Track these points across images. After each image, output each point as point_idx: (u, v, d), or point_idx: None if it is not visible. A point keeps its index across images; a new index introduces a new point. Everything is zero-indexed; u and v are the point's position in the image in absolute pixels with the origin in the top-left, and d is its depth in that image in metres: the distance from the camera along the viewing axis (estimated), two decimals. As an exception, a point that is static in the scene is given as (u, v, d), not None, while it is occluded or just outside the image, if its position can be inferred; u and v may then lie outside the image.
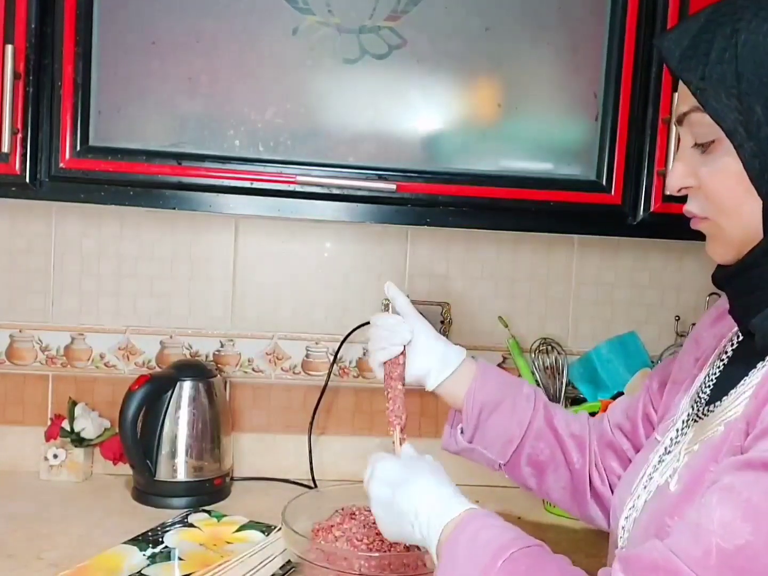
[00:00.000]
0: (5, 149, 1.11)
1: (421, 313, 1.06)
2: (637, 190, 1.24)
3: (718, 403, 0.76)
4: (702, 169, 0.73)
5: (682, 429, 0.81)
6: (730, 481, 0.63)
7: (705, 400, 0.80)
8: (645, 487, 0.81)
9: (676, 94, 1.18)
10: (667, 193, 0.78)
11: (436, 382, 1.03)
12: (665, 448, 0.82)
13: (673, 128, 1.18)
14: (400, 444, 0.97)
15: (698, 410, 0.80)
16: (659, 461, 0.82)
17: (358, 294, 1.58)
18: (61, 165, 1.17)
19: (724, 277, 0.78)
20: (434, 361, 1.03)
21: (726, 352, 0.82)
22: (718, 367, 0.82)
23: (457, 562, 0.75)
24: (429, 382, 1.03)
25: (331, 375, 1.55)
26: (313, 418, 1.55)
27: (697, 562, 0.60)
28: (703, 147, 0.72)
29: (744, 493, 0.61)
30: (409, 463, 0.89)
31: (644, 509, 0.79)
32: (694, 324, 1.58)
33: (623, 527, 0.83)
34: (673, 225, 1.27)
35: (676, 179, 0.76)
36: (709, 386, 0.81)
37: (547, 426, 1.02)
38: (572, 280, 1.62)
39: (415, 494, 0.84)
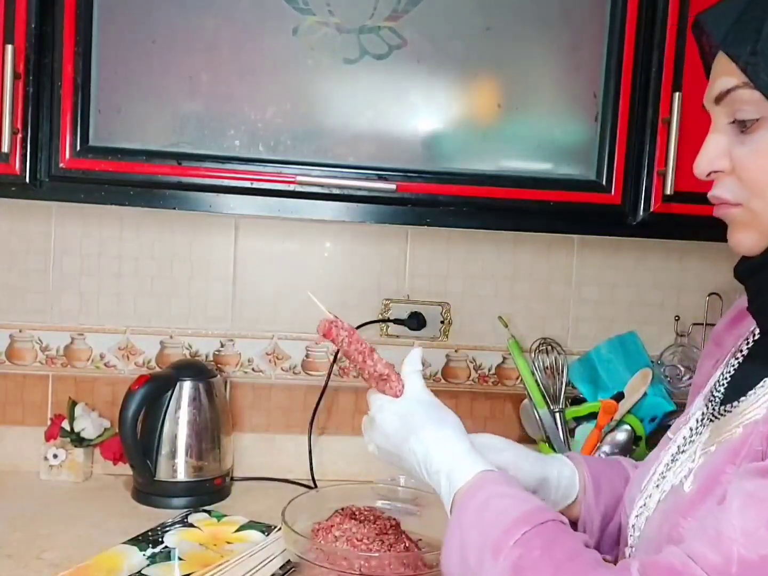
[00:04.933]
0: (5, 149, 1.11)
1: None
2: (637, 190, 1.24)
3: (735, 403, 0.73)
4: (739, 149, 0.70)
5: (697, 428, 0.79)
6: (753, 488, 0.61)
7: (719, 398, 0.78)
8: (657, 486, 0.79)
9: (676, 94, 1.19)
10: (697, 175, 0.74)
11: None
12: (678, 447, 0.80)
13: (674, 128, 1.18)
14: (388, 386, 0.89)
15: (714, 409, 0.77)
16: (672, 460, 0.80)
17: (358, 294, 1.58)
18: (61, 165, 1.17)
19: (748, 270, 0.75)
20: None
21: (741, 351, 0.80)
22: (733, 366, 0.80)
23: (466, 533, 0.71)
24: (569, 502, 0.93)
25: (331, 375, 1.55)
26: (313, 418, 1.55)
27: (716, 569, 0.58)
28: (746, 125, 0.69)
29: None
30: (413, 410, 0.84)
31: (657, 509, 0.77)
32: (694, 324, 1.60)
33: (633, 525, 0.81)
34: (673, 225, 1.28)
35: (707, 162, 0.72)
36: (723, 384, 0.79)
37: None
38: (572, 280, 1.62)
39: (421, 448, 0.81)
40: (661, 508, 0.76)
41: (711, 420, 0.77)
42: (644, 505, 0.80)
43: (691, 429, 0.80)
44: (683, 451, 0.79)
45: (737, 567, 0.58)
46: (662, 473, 0.80)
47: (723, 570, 0.58)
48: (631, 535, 0.81)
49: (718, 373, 0.83)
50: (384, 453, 0.88)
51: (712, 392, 0.80)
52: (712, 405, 0.78)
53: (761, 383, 0.71)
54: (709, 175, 0.73)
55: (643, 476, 0.84)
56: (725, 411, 0.75)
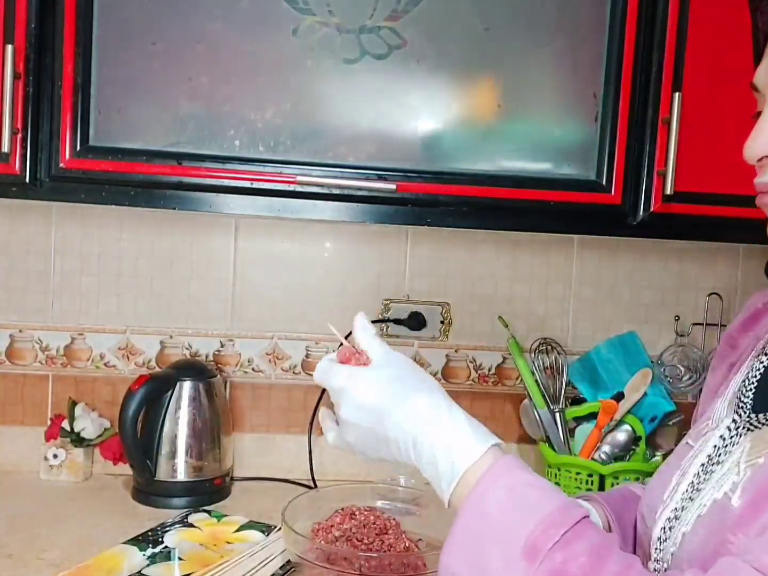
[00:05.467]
0: (5, 149, 1.11)
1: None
2: (637, 190, 1.24)
3: None
4: None
5: (731, 437, 0.74)
6: None
7: (749, 404, 0.75)
8: (692, 499, 0.74)
9: (676, 94, 1.19)
10: (747, 159, 0.69)
11: None
12: (709, 457, 0.75)
13: (674, 128, 1.18)
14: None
15: (749, 417, 0.74)
16: (704, 471, 0.75)
17: (358, 294, 1.58)
18: (61, 165, 1.17)
19: None
20: None
21: (766, 354, 0.77)
22: (759, 370, 0.77)
23: (486, 527, 0.63)
24: None
25: (331, 375, 1.55)
26: (313, 418, 1.55)
27: None
28: None
29: None
30: (395, 375, 0.72)
31: (698, 524, 0.71)
32: (694, 324, 1.60)
33: (659, 538, 0.76)
34: (673, 225, 1.28)
35: (761, 145, 0.67)
36: (750, 389, 0.76)
37: None
38: (572, 280, 1.62)
39: (409, 421, 0.69)
40: (704, 523, 0.71)
41: (749, 429, 0.73)
42: (676, 518, 0.74)
43: (722, 438, 0.76)
44: (718, 462, 0.74)
45: None
46: (695, 484, 0.75)
47: None
48: (657, 549, 0.76)
49: (740, 378, 0.79)
50: (353, 432, 0.74)
51: (739, 398, 0.77)
52: (744, 412, 0.75)
53: None
54: (760, 160, 0.68)
55: (663, 485, 0.79)
56: (766, 419, 0.72)
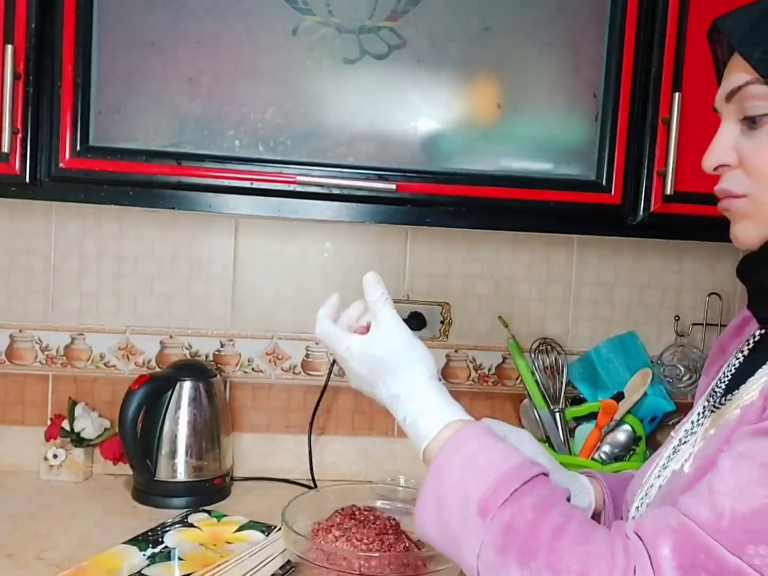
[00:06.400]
0: (5, 149, 1.11)
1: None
2: (637, 190, 1.24)
3: (736, 391, 0.75)
4: (746, 144, 0.73)
5: (698, 420, 0.81)
6: (745, 448, 0.63)
7: (720, 393, 0.79)
8: (659, 476, 0.81)
9: (676, 94, 1.19)
10: (705, 169, 0.77)
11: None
12: (680, 440, 0.82)
13: (674, 128, 1.18)
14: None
15: (715, 402, 0.79)
16: (674, 452, 0.81)
17: (358, 294, 1.57)
18: (61, 165, 1.17)
19: (748, 268, 0.78)
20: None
21: (742, 351, 0.82)
22: (734, 365, 0.82)
23: (446, 490, 0.72)
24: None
25: (331, 375, 1.55)
26: (313, 418, 1.55)
27: (709, 524, 0.60)
28: (754, 121, 0.72)
29: (758, 458, 0.61)
30: (380, 355, 0.87)
31: (659, 494, 0.78)
32: (694, 324, 1.60)
33: (633, 517, 0.81)
34: (672, 225, 1.28)
35: (717, 155, 0.76)
36: (724, 382, 0.81)
37: None
38: (572, 280, 1.62)
39: (402, 385, 0.84)
40: (661, 492, 0.78)
41: (712, 411, 0.79)
42: (645, 495, 0.81)
43: (692, 422, 0.82)
44: (685, 442, 0.80)
45: (728, 521, 0.59)
46: (664, 465, 0.81)
47: (715, 524, 0.60)
48: None
49: (720, 374, 0.84)
50: (361, 385, 0.89)
51: (713, 388, 0.82)
52: (713, 399, 0.80)
53: (759, 370, 0.73)
54: (716, 169, 0.76)
55: (645, 472, 0.85)
56: (726, 400, 0.77)
